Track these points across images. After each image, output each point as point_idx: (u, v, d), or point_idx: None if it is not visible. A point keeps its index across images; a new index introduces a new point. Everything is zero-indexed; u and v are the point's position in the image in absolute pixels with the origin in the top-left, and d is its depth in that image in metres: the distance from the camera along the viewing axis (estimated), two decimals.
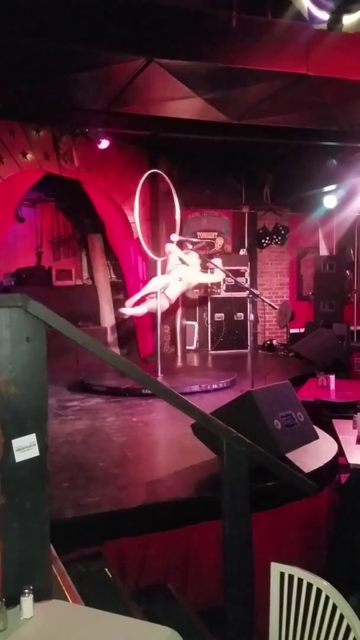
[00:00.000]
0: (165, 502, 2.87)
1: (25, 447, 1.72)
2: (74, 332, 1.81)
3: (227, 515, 2.12)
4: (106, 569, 2.48)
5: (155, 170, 6.98)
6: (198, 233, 9.53)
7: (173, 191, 6.53)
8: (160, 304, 6.35)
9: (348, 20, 2.69)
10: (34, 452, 1.73)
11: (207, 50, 3.80)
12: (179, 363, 8.25)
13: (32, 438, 1.73)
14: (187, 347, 9.08)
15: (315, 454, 3.30)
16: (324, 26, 2.69)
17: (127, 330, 8.63)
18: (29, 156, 6.59)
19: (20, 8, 3.61)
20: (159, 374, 6.31)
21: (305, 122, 5.22)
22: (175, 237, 6.17)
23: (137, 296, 6.60)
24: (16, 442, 1.70)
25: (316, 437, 3.25)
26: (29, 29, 3.66)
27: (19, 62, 3.95)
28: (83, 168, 7.20)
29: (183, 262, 6.30)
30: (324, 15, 2.65)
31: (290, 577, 1.85)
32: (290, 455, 3.04)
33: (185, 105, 4.66)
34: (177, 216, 6.71)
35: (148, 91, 4.33)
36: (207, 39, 3.77)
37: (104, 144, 6.86)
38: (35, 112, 5.48)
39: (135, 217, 6.53)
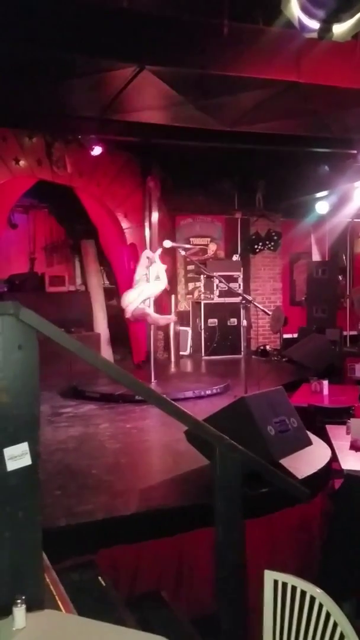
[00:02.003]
0: (158, 509, 2.86)
1: (17, 456, 1.71)
2: (66, 339, 1.81)
3: (220, 521, 2.12)
4: (99, 578, 2.47)
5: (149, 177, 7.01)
6: (191, 239, 9.55)
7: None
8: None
9: (338, 29, 2.71)
10: (26, 460, 1.72)
11: (199, 58, 3.82)
12: (173, 369, 8.25)
13: (24, 447, 1.72)
14: (181, 353, 9.07)
15: (308, 460, 3.30)
16: (315, 35, 2.72)
17: (121, 335, 8.63)
18: (21, 162, 6.59)
19: (13, 15, 3.62)
20: (153, 380, 6.30)
21: (296, 129, 5.26)
22: (168, 242, 6.18)
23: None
24: (8, 451, 1.69)
25: (310, 443, 3.25)
26: (22, 36, 3.67)
27: (11, 69, 3.96)
28: (76, 174, 7.21)
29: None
30: (314, 25, 2.67)
31: (284, 584, 1.84)
32: (284, 462, 3.04)
33: (178, 113, 4.68)
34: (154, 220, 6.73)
35: (140, 98, 4.35)
36: (199, 47, 3.80)
37: (97, 150, 6.86)
38: (28, 118, 5.48)
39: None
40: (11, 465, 1.69)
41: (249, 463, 2.10)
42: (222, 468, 1.98)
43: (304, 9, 2.60)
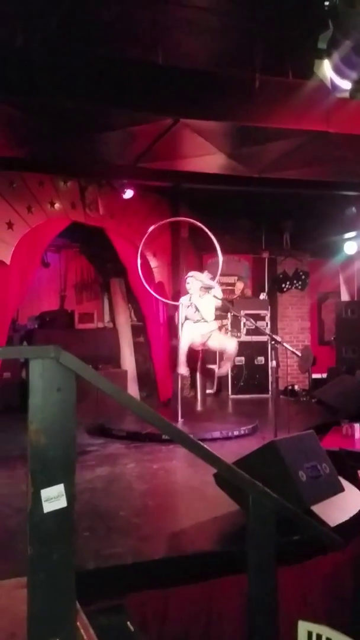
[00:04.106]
0: (187, 555, 2.83)
1: (54, 498, 1.74)
2: (104, 383, 1.85)
3: (252, 570, 2.09)
4: (128, 623, 2.44)
5: (188, 220, 7.25)
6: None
7: (213, 238, 6.74)
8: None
9: None
10: (62, 502, 1.75)
11: (232, 110, 3.99)
12: (199, 407, 8.18)
13: (60, 488, 1.76)
14: (207, 391, 9.03)
15: (340, 507, 3.23)
16: (346, 95, 2.82)
17: (147, 373, 8.65)
18: (56, 206, 6.83)
19: (54, 70, 3.85)
20: (179, 419, 6.28)
21: (325, 175, 5.35)
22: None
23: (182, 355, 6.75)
24: (45, 493, 1.72)
25: (342, 489, 3.19)
26: (62, 90, 3.88)
27: (52, 121, 4.17)
28: (107, 216, 7.43)
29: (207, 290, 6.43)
30: (346, 85, 2.77)
31: (319, 636, 1.80)
32: (316, 508, 2.98)
33: (209, 161, 4.83)
34: (220, 261, 6.88)
35: (174, 148, 4.52)
36: (231, 100, 3.96)
37: (129, 193, 7.08)
38: (64, 166, 5.73)
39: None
40: (48, 507, 1.73)
41: (282, 510, 2.08)
42: (255, 516, 1.97)
43: (337, 70, 2.71)
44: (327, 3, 2.41)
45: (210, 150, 4.49)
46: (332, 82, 2.80)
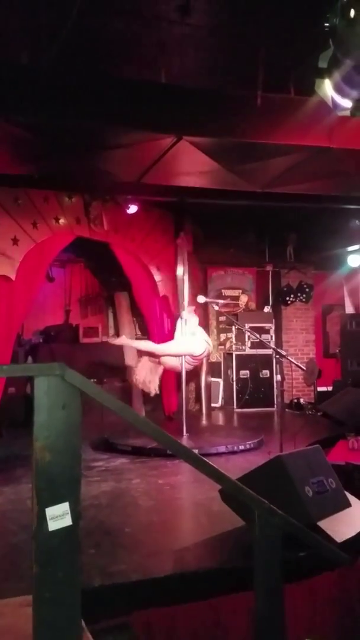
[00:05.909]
0: (194, 572, 2.81)
1: (59, 516, 1.74)
2: (108, 399, 1.86)
3: (259, 587, 2.08)
4: None
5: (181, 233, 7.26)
6: (222, 290, 9.68)
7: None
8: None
9: None
10: (67, 521, 1.75)
11: (234, 127, 4.03)
12: (204, 421, 8.17)
13: (65, 507, 1.76)
14: (212, 405, 9.00)
15: (347, 522, 3.19)
16: (347, 113, 2.85)
17: None
18: (61, 221, 6.86)
19: (57, 89, 3.91)
20: (184, 433, 6.27)
21: (328, 190, 5.38)
22: (201, 298, 6.29)
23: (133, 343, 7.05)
24: (50, 511, 1.72)
25: (348, 504, 3.17)
26: (65, 109, 3.94)
27: (56, 140, 4.22)
28: (112, 231, 7.46)
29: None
30: (347, 104, 2.80)
31: None
32: (322, 524, 2.95)
33: (212, 177, 4.87)
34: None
35: (177, 165, 4.55)
36: (233, 117, 4.01)
37: (133, 209, 7.13)
38: (69, 183, 5.79)
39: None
40: (53, 526, 1.72)
41: (288, 527, 2.07)
42: (261, 533, 1.96)
43: (338, 89, 2.74)
44: (327, 24, 2.45)
45: (213, 166, 4.53)
46: (333, 101, 2.83)
